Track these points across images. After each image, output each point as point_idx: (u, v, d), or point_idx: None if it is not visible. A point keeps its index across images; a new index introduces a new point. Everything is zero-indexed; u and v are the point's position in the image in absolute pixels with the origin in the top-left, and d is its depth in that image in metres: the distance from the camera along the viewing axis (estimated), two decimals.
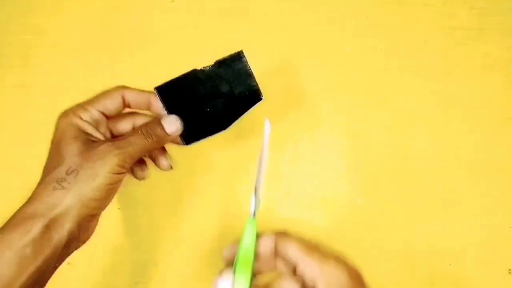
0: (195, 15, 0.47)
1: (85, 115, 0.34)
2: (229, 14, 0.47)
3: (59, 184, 0.31)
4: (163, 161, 0.39)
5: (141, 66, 0.47)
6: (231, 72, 0.36)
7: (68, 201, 0.31)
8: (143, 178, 0.39)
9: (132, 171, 0.40)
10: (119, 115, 0.38)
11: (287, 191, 0.45)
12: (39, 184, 0.32)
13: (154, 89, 0.38)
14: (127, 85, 0.47)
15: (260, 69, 0.46)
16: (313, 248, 0.30)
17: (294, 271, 0.31)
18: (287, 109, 0.46)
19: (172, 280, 0.45)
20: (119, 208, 0.45)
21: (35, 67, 0.48)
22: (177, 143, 0.40)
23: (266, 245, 0.31)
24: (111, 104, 0.36)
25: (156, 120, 0.36)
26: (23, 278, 0.29)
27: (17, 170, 0.47)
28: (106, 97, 0.36)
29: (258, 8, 0.47)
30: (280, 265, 0.32)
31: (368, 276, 0.45)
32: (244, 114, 0.37)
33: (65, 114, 0.34)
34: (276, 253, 0.31)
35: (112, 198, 0.35)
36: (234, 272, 0.28)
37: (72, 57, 0.48)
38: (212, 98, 0.37)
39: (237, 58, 0.36)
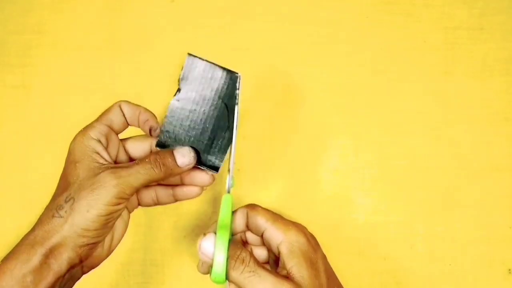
0: (195, 15, 0.47)
1: (93, 132, 0.34)
2: (229, 14, 0.47)
3: (57, 212, 0.31)
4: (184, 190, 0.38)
5: (141, 66, 0.47)
6: (196, 76, 0.35)
7: (64, 231, 0.31)
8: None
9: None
10: (138, 137, 0.38)
11: (288, 191, 0.45)
12: (44, 209, 0.32)
13: (155, 147, 0.36)
14: (127, 85, 0.47)
15: (259, 69, 0.46)
16: (277, 217, 0.35)
17: (261, 239, 0.36)
18: (286, 109, 0.46)
19: (172, 280, 0.45)
20: None
21: (35, 67, 0.48)
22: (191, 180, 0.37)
23: (240, 217, 0.36)
24: (114, 117, 0.36)
25: (169, 151, 0.35)
26: None
27: (17, 170, 0.47)
28: (108, 111, 0.36)
29: (258, 8, 0.47)
30: (250, 235, 0.37)
31: (367, 275, 0.45)
32: (238, 105, 0.35)
33: (76, 136, 0.34)
34: (247, 224, 0.36)
35: (112, 226, 0.33)
36: (216, 233, 0.32)
37: (72, 57, 0.48)
38: (202, 116, 0.35)
39: (191, 62, 0.34)
